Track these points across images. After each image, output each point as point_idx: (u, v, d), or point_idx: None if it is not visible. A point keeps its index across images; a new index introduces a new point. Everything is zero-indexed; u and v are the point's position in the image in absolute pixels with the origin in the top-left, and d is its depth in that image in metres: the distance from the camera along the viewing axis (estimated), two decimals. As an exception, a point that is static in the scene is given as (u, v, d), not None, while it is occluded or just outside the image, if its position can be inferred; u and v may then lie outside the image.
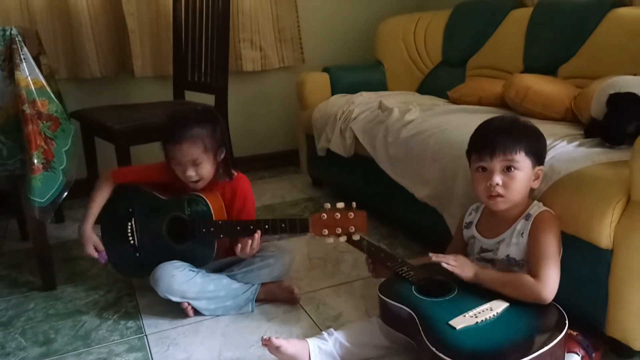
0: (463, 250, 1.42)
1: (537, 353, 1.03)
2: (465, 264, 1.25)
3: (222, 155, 1.58)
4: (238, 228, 1.49)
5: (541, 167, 1.28)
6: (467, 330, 1.11)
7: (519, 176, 1.23)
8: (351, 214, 1.34)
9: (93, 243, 1.60)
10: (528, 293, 1.17)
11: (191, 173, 1.51)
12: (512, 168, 1.23)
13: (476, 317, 1.14)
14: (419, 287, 1.27)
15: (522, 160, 1.24)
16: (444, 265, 1.23)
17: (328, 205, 1.36)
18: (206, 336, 1.46)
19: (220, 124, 1.59)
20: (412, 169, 1.81)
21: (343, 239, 1.36)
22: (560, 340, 1.07)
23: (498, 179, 1.23)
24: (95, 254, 1.60)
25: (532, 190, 1.30)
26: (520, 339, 1.09)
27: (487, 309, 1.16)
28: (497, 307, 1.17)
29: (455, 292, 1.23)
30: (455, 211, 1.59)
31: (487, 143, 1.25)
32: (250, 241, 1.46)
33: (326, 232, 1.36)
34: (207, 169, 1.54)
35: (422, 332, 1.13)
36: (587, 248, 1.22)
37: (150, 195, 1.59)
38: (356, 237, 1.36)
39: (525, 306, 1.17)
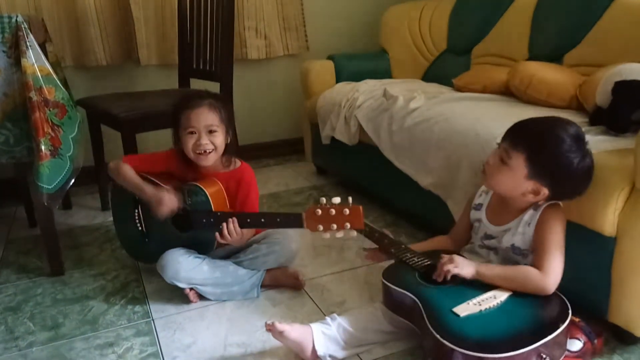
0: (466, 233, 1.42)
1: (540, 342, 1.04)
2: (464, 263, 1.23)
3: (230, 138, 1.59)
4: (235, 219, 1.48)
5: (543, 189, 1.20)
6: (471, 317, 1.12)
7: (504, 170, 1.22)
8: (346, 210, 1.28)
9: (168, 191, 1.51)
10: (532, 286, 1.17)
11: (206, 141, 1.51)
12: (504, 160, 1.23)
13: (480, 304, 1.15)
14: (423, 273, 1.28)
15: (516, 161, 1.20)
16: (446, 272, 1.22)
17: (324, 200, 1.32)
18: (212, 321, 1.48)
19: (230, 108, 1.61)
20: (416, 157, 1.82)
21: (340, 234, 1.31)
22: (563, 329, 1.08)
23: (492, 159, 1.26)
24: (178, 206, 1.52)
25: None
26: (524, 328, 1.10)
27: (490, 297, 1.17)
28: (501, 295, 1.18)
29: (459, 280, 1.23)
30: (459, 199, 1.60)
31: (512, 128, 1.25)
32: (225, 230, 1.44)
33: (321, 227, 1.32)
34: (220, 140, 1.54)
35: (425, 319, 1.13)
36: (591, 235, 1.22)
37: (154, 184, 1.60)
38: (352, 234, 1.32)
39: (528, 295, 1.17)
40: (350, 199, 1.31)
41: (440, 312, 1.14)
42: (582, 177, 1.19)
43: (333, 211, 1.30)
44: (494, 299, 1.16)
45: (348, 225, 1.29)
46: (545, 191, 1.20)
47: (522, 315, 1.13)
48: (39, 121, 1.55)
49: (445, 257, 1.25)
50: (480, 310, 1.13)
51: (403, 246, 1.40)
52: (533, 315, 1.14)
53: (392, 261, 1.40)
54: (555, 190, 1.20)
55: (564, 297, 1.17)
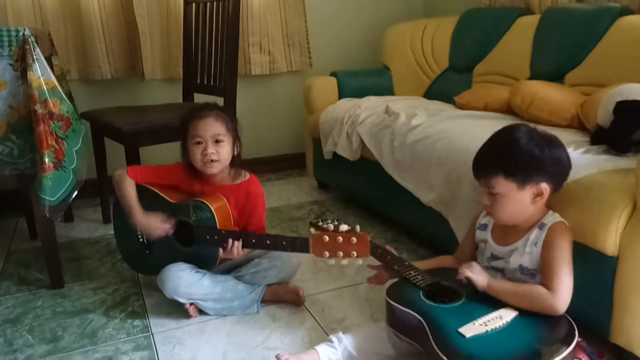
0: (472, 253, 1.41)
1: None
2: (480, 272, 1.23)
3: (239, 149, 1.60)
4: (240, 240, 1.48)
5: (541, 184, 1.21)
6: (477, 338, 1.10)
7: (500, 200, 1.23)
8: (354, 239, 1.28)
9: (160, 219, 1.55)
10: (541, 305, 1.16)
11: (212, 150, 1.53)
12: (492, 193, 1.24)
13: (486, 325, 1.13)
14: (427, 292, 1.26)
15: (500, 185, 1.21)
16: (462, 276, 1.22)
17: (331, 227, 1.32)
18: (212, 336, 1.47)
19: (237, 121, 1.63)
20: (417, 174, 1.82)
21: (345, 262, 1.31)
22: (570, 352, 1.07)
23: (485, 199, 1.26)
24: (169, 228, 1.56)
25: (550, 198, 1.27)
26: (530, 350, 1.09)
27: (496, 317, 1.15)
28: (507, 315, 1.16)
29: (464, 299, 1.22)
30: (460, 216, 1.60)
31: (473, 165, 1.29)
32: (229, 247, 1.47)
33: (327, 254, 1.31)
34: (226, 150, 1.56)
35: (431, 339, 1.12)
36: (593, 255, 1.22)
37: (158, 196, 1.60)
38: (358, 262, 1.32)
39: (534, 316, 1.16)
40: (358, 227, 1.31)
41: (447, 332, 1.13)
42: (559, 154, 1.23)
43: (340, 239, 1.30)
44: (500, 319, 1.15)
45: (355, 253, 1.29)
46: (544, 185, 1.21)
47: (528, 336, 1.12)
48: (43, 134, 1.56)
49: (466, 263, 1.25)
50: (487, 331, 1.12)
51: (407, 264, 1.39)
52: (539, 337, 1.13)
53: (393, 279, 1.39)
54: (551, 178, 1.22)
55: (571, 320, 1.15)
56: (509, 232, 1.30)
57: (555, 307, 1.15)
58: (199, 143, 1.54)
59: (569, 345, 1.08)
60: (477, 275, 1.22)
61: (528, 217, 1.26)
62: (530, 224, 1.26)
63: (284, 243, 1.43)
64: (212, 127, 1.53)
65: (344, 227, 1.30)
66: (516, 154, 1.21)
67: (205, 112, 1.55)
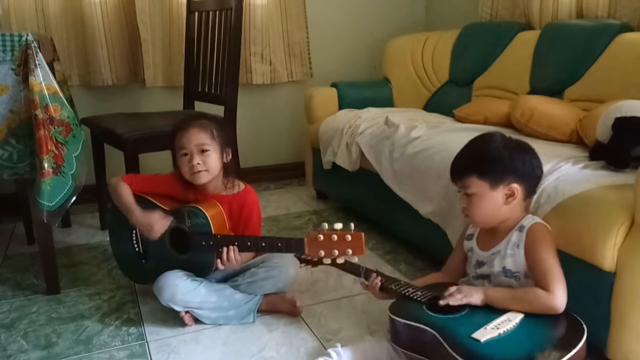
0: (461, 265, 1.43)
1: (567, 356, 1.06)
2: (472, 291, 1.25)
3: (228, 157, 1.60)
4: (236, 244, 1.49)
5: (512, 185, 1.26)
6: (492, 341, 1.12)
7: (475, 200, 1.28)
8: (348, 237, 1.30)
9: (159, 215, 1.54)
10: (542, 305, 1.19)
11: (197, 160, 1.52)
12: (467, 194, 1.29)
13: (498, 328, 1.15)
14: (430, 306, 1.27)
15: (475, 185, 1.27)
16: (452, 303, 1.23)
17: (325, 226, 1.33)
18: (207, 345, 1.46)
19: (227, 128, 1.62)
20: (416, 185, 1.82)
21: (340, 260, 1.33)
22: (584, 343, 1.10)
23: (463, 201, 1.31)
24: (168, 223, 1.54)
25: (528, 203, 1.33)
26: (547, 345, 1.12)
27: (505, 320, 1.18)
28: (514, 318, 1.19)
29: (467, 309, 1.23)
30: (458, 228, 1.60)
31: (451, 168, 1.34)
32: (225, 256, 1.46)
33: (322, 253, 1.33)
34: (214, 159, 1.55)
35: (448, 348, 1.13)
36: (590, 270, 1.22)
37: (153, 205, 1.60)
38: (353, 260, 1.33)
39: (539, 316, 1.19)
40: (352, 225, 1.32)
41: (461, 339, 1.14)
42: (530, 158, 1.28)
43: (335, 237, 1.31)
44: (509, 321, 1.17)
45: (350, 251, 1.30)
46: (515, 186, 1.26)
47: (541, 335, 1.15)
48: (43, 139, 1.56)
49: (452, 288, 1.26)
50: (500, 334, 1.14)
51: (403, 282, 1.39)
52: (552, 333, 1.16)
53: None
54: (522, 180, 1.27)
55: (574, 315, 1.18)
56: (490, 237, 1.34)
57: (554, 305, 1.18)
58: (185, 154, 1.54)
59: (581, 337, 1.11)
60: (471, 296, 1.23)
61: (505, 219, 1.30)
62: (509, 226, 1.30)
63: (280, 244, 1.43)
64: (196, 137, 1.53)
65: (338, 226, 1.32)
66: (488, 155, 1.27)
67: (189, 123, 1.56)
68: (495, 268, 1.29)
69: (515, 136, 1.36)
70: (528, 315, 1.19)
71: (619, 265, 1.18)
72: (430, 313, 1.24)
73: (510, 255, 1.27)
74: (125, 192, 1.58)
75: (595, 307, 1.23)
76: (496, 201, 1.27)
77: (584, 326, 1.15)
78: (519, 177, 1.27)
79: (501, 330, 1.14)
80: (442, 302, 1.24)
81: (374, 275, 1.43)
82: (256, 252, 1.60)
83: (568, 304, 1.19)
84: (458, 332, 1.16)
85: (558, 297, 1.18)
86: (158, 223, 1.53)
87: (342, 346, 1.30)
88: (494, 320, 1.18)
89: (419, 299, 1.29)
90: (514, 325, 1.16)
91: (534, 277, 1.24)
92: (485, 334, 1.14)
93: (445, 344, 1.14)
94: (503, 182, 1.26)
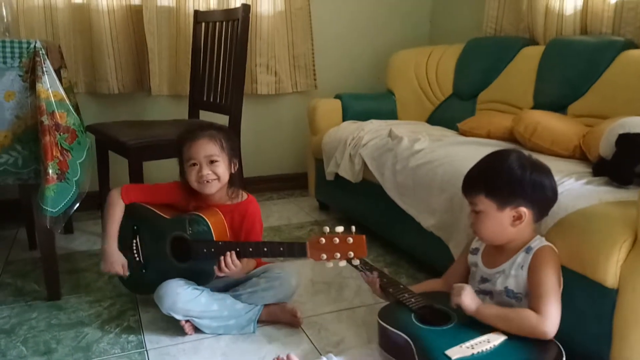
0: (463, 277, 1.42)
1: None
2: (469, 296, 1.24)
3: (236, 168, 1.60)
4: (237, 249, 1.48)
5: (520, 208, 1.24)
6: None
7: (482, 218, 1.27)
8: (350, 239, 1.31)
9: (122, 263, 1.59)
10: (530, 329, 1.16)
11: (207, 171, 1.53)
12: (475, 210, 1.28)
13: (472, 348, 1.14)
14: (419, 315, 1.27)
15: (482, 203, 1.26)
16: (453, 303, 1.23)
17: (327, 230, 1.34)
18: (206, 355, 1.46)
19: (235, 138, 1.63)
20: (419, 198, 1.82)
21: (342, 263, 1.34)
22: None
23: (470, 216, 1.31)
24: (123, 273, 1.60)
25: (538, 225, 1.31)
26: None
27: (484, 341, 1.16)
28: (495, 339, 1.17)
29: (454, 322, 1.23)
30: (461, 241, 1.60)
31: (463, 182, 1.33)
32: (223, 262, 1.46)
33: (324, 256, 1.33)
34: (222, 169, 1.55)
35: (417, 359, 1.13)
36: (593, 286, 1.21)
37: (154, 214, 1.61)
38: (355, 262, 1.35)
39: (523, 340, 1.16)
40: (353, 228, 1.33)
41: (433, 353, 1.14)
42: (542, 181, 1.24)
43: (337, 240, 1.32)
44: (488, 342, 1.16)
45: (351, 254, 1.31)
46: (523, 210, 1.24)
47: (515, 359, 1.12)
48: (48, 145, 1.57)
49: (457, 285, 1.26)
50: (473, 354, 1.12)
51: (401, 286, 1.40)
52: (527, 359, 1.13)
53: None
54: (532, 204, 1.24)
55: (559, 345, 1.16)
56: (496, 255, 1.32)
57: (544, 330, 1.15)
58: (194, 165, 1.54)
59: None
60: (467, 299, 1.23)
61: (512, 239, 1.28)
62: (516, 246, 1.28)
63: (282, 249, 1.43)
64: (205, 149, 1.54)
65: (339, 229, 1.32)
66: (498, 175, 1.25)
67: (197, 134, 1.55)
68: (498, 287, 1.28)
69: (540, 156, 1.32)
70: (511, 339, 1.17)
71: (622, 281, 1.17)
72: (415, 322, 1.25)
73: (513, 276, 1.26)
74: (113, 211, 1.59)
75: (597, 324, 1.22)
76: (502, 222, 1.26)
77: (563, 357, 1.12)
78: (528, 200, 1.24)
79: (475, 351, 1.13)
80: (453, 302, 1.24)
81: (375, 273, 1.46)
82: (258, 258, 1.60)
83: (571, 320, 1.18)
84: (433, 346, 1.16)
85: (548, 322, 1.15)
86: (115, 262, 1.57)
87: (335, 355, 1.30)
88: (473, 339, 1.17)
89: (410, 305, 1.30)
90: (490, 347, 1.14)
91: (530, 298, 1.22)
92: (458, 352, 1.13)
93: (415, 356, 1.15)
94: (511, 204, 1.24)
